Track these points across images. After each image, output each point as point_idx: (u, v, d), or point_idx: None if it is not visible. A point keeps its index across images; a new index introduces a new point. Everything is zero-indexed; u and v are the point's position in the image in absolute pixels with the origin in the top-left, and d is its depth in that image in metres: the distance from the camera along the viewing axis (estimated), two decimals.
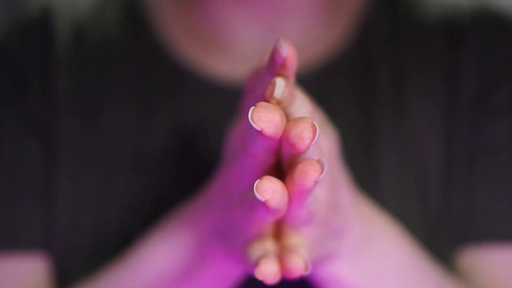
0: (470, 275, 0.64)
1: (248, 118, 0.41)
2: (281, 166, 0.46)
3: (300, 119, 0.41)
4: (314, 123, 0.40)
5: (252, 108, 0.40)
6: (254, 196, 0.42)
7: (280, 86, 0.42)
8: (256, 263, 0.44)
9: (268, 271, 0.43)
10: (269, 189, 0.41)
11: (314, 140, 0.40)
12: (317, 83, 0.66)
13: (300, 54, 0.67)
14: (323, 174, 0.41)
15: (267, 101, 0.42)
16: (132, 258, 0.58)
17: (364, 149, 0.65)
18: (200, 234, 0.54)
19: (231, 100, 0.65)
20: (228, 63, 0.67)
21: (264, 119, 0.40)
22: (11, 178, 0.66)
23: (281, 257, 0.45)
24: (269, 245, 0.48)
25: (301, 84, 0.66)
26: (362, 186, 0.64)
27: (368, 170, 0.65)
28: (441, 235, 0.64)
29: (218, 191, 0.52)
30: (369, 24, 0.68)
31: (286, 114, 0.44)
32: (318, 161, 0.41)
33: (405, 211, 0.64)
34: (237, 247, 0.50)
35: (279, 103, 0.42)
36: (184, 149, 0.66)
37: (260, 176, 0.45)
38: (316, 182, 0.41)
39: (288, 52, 0.42)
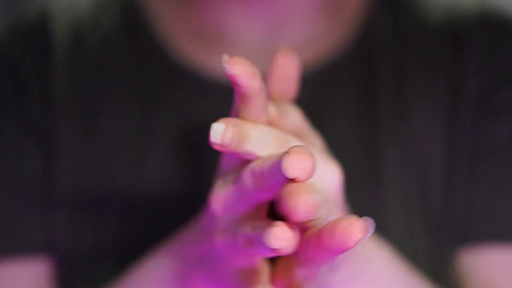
0: (469, 275, 0.64)
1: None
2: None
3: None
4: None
5: (285, 154, 0.39)
6: (257, 234, 0.41)
7: (217, 131, 0.42)
8: None
9: None
10: (283, 239, 0.39)
11: (313, 215, 0.38)
12: (318, 82, 0.66)
13: (302, 54, 0.67)
14: (369, 234, 0.39)
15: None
16: (126, 283, 0.58)
17: (366, 149, 0.65)
18: (186, 260, 0.52)
19: (232, 98, 0.65)
20: None
21: (299, 166, 0.39)
22: (11, 182, 0.66)
23: None
24: (264, 277, 0.47)
25: (303, 84, 0.66)
26: (364, 186, 0.64)
27: (370, 170, 0.64)
28: (442, 235, 0.64)
29: (205, 215, 0.50)
30: (371, 25, 0.68)
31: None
32: (363, 220, 0.38)
33: (406, 211, 0.64)
34: (222, 277, 0.48)
35: (223, 146, 0.42)
36: (186, 148, 0.66)
37: (251, 207, 0.44)
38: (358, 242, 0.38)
39: (234, 70, 0.42)
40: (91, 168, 0.66)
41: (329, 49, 0.68)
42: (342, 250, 0.39)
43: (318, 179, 0.45)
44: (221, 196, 0.45)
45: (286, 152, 0.39)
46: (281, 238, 0.39)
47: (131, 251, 0.62)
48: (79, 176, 0.66)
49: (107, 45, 0.69)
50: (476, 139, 0.65)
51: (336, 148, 0.65)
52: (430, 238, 0.64)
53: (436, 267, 0.64)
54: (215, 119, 0.63)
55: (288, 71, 0.52)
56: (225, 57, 0.41)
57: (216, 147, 0.42)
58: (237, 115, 0.46)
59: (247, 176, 0.43)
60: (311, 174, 0.39)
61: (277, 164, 0.40)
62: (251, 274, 0.46)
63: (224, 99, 0.66)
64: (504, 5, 0.71)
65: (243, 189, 0.43)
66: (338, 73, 0.67)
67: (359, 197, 0.62)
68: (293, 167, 0.38)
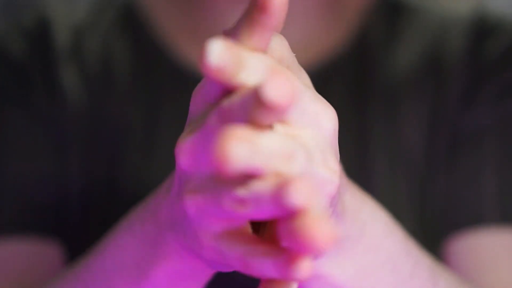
0: (458, 261, 0.65)
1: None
2: None
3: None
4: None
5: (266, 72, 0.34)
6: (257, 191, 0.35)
7: (213, 51, 0.34)
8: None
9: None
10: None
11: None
12: (314, 83, 0.67)
13: (299, 54, 0.68)
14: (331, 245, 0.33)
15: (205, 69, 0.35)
16: (98, 252, 0.53)
17: (356, 147, 0.66)
18: (158, 225, 0.45)
19: None
20: None
21: (280, 88, 0.33)
22: (24, 169, 0.66)
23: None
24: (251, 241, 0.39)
25: None
26: (354, 181, 0.64)
27: (360, 168, 0.65)
28: (429, 225, 0.65)
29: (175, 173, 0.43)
30: (367, 28, 0.69)
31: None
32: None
33: (395, 208, 0.65)
34: (198, 243, 0.41)
35: (215, 69, 0.35)
36: None
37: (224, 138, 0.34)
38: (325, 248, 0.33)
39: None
40: (96, 169, 0.66)
41: (325, 51, 0.68)
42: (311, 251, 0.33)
43: (312, 124, 0.39)
44: (186, 146, 0.38)
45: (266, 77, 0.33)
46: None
47: None
48: (86, 173, 0.66)
49: (108, 49, 0.69)
50: (457, 130, 0.66)
51: None
52: (417, 228, 0.65)
53: None
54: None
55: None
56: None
57: (207, 70, 0.35)
58: (240, 32, 0.38)
59: (213, 116, 0.37)
60: (291, 102, 0.33)
61: (249, 96, 0.34)
62: (234, 235, 0.39)
63: None
64: (498, 6, 0.72)
65: (208, 133, 0.37)
66: (333, 74, 0.67)
67: None
68: (273, 91, 0.33)
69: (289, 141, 0.36)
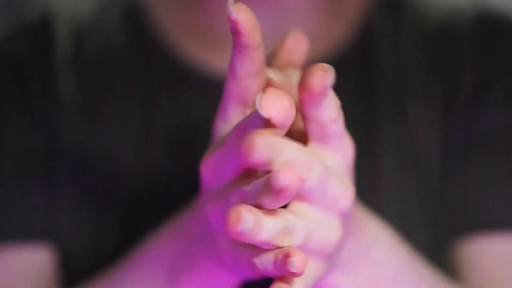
0: (466, 265, 0.65)
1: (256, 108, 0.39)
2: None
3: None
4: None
5: (260, 93, 0.39)
6: (254, 185, 0.41)
7: (331, 74, 0.41)
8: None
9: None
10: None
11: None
12: None
13: None
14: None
15: (312, 87, 0.41)
16: (128, 261, 0.58)
17: (364, 147, 0.65)
18: (188, 238, 0.52)
19: None
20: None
21: (274, 106, 0.39)
22: (15, 170, 0.66)
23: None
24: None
25: None
26: (362, 183, 0.64)
27: (368, 166, 0.65)
28: (439, 228, 0.65)
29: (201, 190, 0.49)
30: (371, 25, 0.68)
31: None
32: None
33: (404, 207, 0.64)
34: (220, 251, 0.47)
35: (325, 90, 0.41)
36: (187, 146, 0.66)
37: (240, 172, 0.44)
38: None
39: (238, 16, 0.40)
40: (92, 164, 0.66)
41: (329, 48, 0.68)
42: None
43: (342, 151, 0.45)
44: (209, 162, 0.45)
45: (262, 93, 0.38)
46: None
47: (133, 242, 0.63)
48: (81, 169, 0.66)
49: (110, 46, 0.69)
50: (469, 131, 0.66)
51: None
52: (427, 231, 0.64)
53: (433, 260, 0.64)
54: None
55: (295, 55, 0.50)
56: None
57: (321, 89, 0.41)
58: (233, 73, 0.44)
59: (232, 134, 0.43)
60: (287, 114, 0.39)
61: (257, 114, 0.39)
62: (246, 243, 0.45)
63: None
64: (502, 4, 0.71)
65: (228, 149, 0.43)
66: (338, 72, 0.67)
67: (357, 193, 0.62)
68: (268, 106, 0.38)
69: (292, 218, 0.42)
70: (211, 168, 0.45)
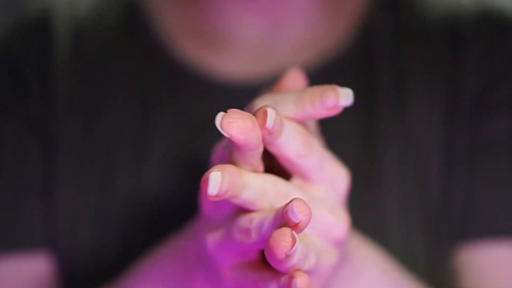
0: (467, 272, 0.64)
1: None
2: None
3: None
4: (294, 233, 0.39)
5: (221, 113, 0.39)
6: (260, 220, 0.42)
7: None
8: None
9: None
10: (304, 212, 0.39)
11: (292, 250, 0.39)
12: (318, 81, 0.66)
13: (302, 52, 0.67)
14: (294, 248, 0.39)
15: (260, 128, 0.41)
16: (123, 281, 0.58)
17: (365, 148, 0.65)
18: (185, 260, 0.52)
19: (233, 98, 0.65)
20: (229, 61, 0.67)
21: (234, 125, 0.40)
22: (12, 179, 0.66)
23: None
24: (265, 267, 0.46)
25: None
26: (363, 185, 0.64)
27: (369, 169, 0.64)
28: (440, 233, 0.64)
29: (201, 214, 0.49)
30: (372, 24, 0.68)
31: (275, 145, 0.44)
32: (292, 234, 0.39)
33: (405, 210, 0.64)
34: (219, 276, 0.48)
35: (269, 133, 0.42)
36: (186, 147, 0.66)
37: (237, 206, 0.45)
38: (287, 255, 0.39)
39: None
40: (91, 167, 0.66)
41: (329, 48, 0.68)
42: (276, 254, 0.39)
43: (327, 182, 0.46)
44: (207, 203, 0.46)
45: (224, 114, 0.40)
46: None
47: (131, 250, 0.62)
48: (79, 173, 0.66)
49: (108, 45, 0.69)
50: (473, 136, 0.65)
51: (336, 147, 0.65)
52: (428, 236, 0.64)
53: (434, 265, 0.64)
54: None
55: (298, 85, 0.51)
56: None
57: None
58: (231, 160, 0.45)
59: (211, 160, 0.46)
60: (248, 133, 0.40)
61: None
62: (247, 266, 0.46)
63: (225, 97, 0.66)
64: (503, 3, 0.71)
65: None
66: (338, 72, 0.67)
67: (358, 196, 0.62)
68: (228, 125, 0.40)
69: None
70: (209, 201, 0.45)
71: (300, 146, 0.44)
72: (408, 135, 0.65)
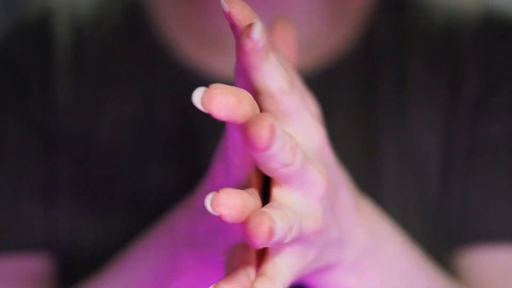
0: (467, 276, 0.64)
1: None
2: None
3: (259, 116, 0.36)
4: (273, 123, 0.36)
5: (201, 88, 0.36)
6: None
7: (258, 28, 0.37)
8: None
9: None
10: (225, 204, 0.36)
11: (274, 141, 0.36)
12: (320, 83, 0.66)
13: (305, 54, 0.67)
14: (276, 237, 0.36)
15: (244, 47, 0.38)
16: (115, 266, 0.57)
17: (365, 149, 0.65)
18: (174, 240, 0.51)
19: None
20: (230, 61, 0.67)
21: (224, 204, 0.36)
22: (13, 180, 0.66)
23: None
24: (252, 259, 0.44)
25: (305, 85, 0.66)
26: (363, 186, 0.64)
27: (368, 170, 0.65)
28: (440, 236, 0.64)
29: (203, 192, 0.48)
30: (374, 26, 0.68)
31: (258, 82, 0.41)
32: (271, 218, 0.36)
33: (404, 211, 0.64)
34: (217, 253, 0.47)
35: (255, 46, 0.38)
36: (187, 147, 0.66)
37: (247, 175, 0.43)
38: (270, 237, 0.36)
39: (231, 9, 0.39)
40: (92, 167, 0.66)
41: (332, 51, 0.68)
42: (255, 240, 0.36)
43: (302, 133, 0.43)
44: (219, 169, 0.45)
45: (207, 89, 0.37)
46: (223, 203, 0.36)
47: None
48: (80, 175, 0.66)
49: (109, 45, 0.69)
50: (472, 138, 0.65)
51: (336, 147, 0.65)
52: (427, 238, 0.64)
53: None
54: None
55: (287, 38, 0.51)
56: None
57: (251, 44, 0.37)
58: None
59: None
60: (231, 109, 0.36)
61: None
62: (240, 257, 0.44)
63: None
64: (509, 7, 0.71)
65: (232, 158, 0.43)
66: (340, 74, 0.67)
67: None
68: (209, 101, 0.36)
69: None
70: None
71: (283, 80, 0.41)
72: (408, 137, 0.65)
